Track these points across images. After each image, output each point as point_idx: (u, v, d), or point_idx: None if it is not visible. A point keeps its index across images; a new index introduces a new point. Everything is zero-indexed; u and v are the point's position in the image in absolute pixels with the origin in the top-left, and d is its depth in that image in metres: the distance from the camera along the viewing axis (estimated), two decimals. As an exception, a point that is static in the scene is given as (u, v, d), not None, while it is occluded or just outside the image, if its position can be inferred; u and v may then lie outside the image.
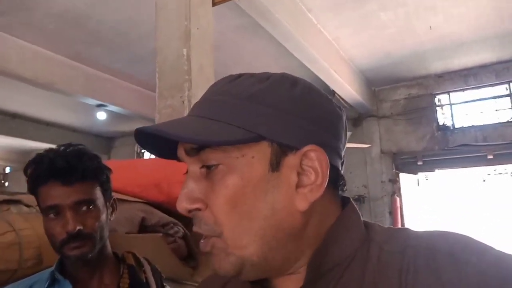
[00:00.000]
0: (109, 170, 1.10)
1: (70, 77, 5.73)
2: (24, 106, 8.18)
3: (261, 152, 0.46)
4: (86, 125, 9.75)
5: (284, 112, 0.47)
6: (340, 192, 0.53)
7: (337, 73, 5.42)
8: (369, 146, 6.77)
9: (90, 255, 0.97)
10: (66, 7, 4.33)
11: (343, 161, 0.53)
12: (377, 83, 7.10)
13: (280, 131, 0.46)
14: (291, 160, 0.47)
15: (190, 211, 0.49)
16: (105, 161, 1.37)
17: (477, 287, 0.40)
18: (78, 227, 0.94)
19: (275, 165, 0.46)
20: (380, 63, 6.14)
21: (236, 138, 0.45)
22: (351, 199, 0.54)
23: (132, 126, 9.52)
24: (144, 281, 1.08)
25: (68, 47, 5.35)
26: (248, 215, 0.46)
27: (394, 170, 7.15)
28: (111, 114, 7.73)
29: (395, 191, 7.09)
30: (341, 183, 0.52)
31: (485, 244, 0.45)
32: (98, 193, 1.02)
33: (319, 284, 0.47)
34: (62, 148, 1.01)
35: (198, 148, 0.47)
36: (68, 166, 0.96)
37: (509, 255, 0.44)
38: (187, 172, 0.51)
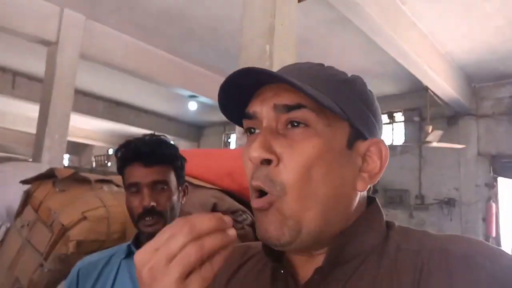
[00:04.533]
0: (184, 159, 1.23)
1: (167, 70, 6.15)
2: (127, 95, 9.00)
3: (343, 128, 0.51)
4: (179, 114, 10.39)
5: (363, 104, 0.53)
6: (369, 192, 0.58)
7: (432, 68, 5.09)
8: (465, 147, 6.26)
9: None
10: (163, 6, 4.68)
11: None
12: (478, 80, 6.50)
13: (360, 118, 0.52)
14: (360, 146, 0.52)
15: (262, 161, 0.49)
16: (190, 150, 1.51)
17: None
18: (152, 203, 1.09)
19: (351, 144, 0.52)
20: (482, 58, 5.61)
21: (335, 108, 0.49)
22: (376, 198, 0.58)
23: (220, 117, 9.94)
24: None
25: (166, 42, 5.76)
26: (319, 180, 0.49)
27: (491, 174, 6.52)
28: (202, 104, 8.16)
29: (491, 196, 6.48)
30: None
31: (501, 250, 0.46)
32: (172, 177, 1.16)
33: (337, 272, 0.50)
34: (146, 137, 1.17)
35: (292, 107, 0.49)
36: (150, 151, 1.12)
37: None
38: (249, 133, 0.55)
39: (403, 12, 4.44)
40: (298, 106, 0.49)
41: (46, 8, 4.64)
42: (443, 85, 5.55)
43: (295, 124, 0.49)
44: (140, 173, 1.11)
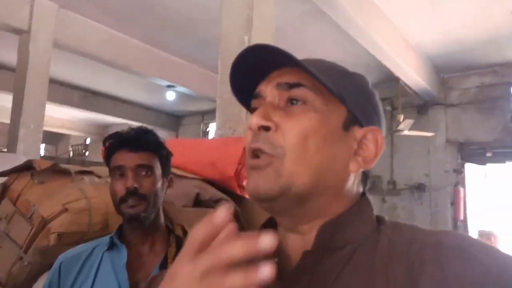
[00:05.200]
0: (170, 153, 1.27)
1: (143, 60, 6.09)
2: (104, 85, 8.83)
3: (340, 110, 0.54)
4: (157, 104, 10.27)
5: (362, 95, 0.57)
6: (364, 184, 0.60)
7: (402, 59, 5.24)
8: (434, 135, 6.48)
9: (143, 215, 1.13)
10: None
11: None
12: (446, 70, 6.71)
13: (357, 106, 0.55)
14: (356, 131, 0.55)
15: (260, 128, 0.52)
16: (172, 140, 1.55)
17: (481, 282, 0.41)
18: (135, 185, 1.13)
19: (346, 127, 0.55)
20: (450, 50, 5.80)
21: (333, 88, 0.51)
22: (366, 193, 0.60)
23: (198, 107, 9.94)
24: None
25: (142, 31, 5.69)
26: (314, 150, 0.51)
27: (459, 160, 6.79)
28: (180, 94, 8.11)
29: (459, 181, 6.74)
30: (367, 178, 0.60)
31: (492, 245, 0.47)
32: (157, 164, 1.20)
33: (329, 258, 0.50)
34: (134, 127, 1.22)
35: (293, 84, 0.53)
36: (135, 138, 1.17)
37: None
38: (252, 110, 0.57)
39: (374, 4, 4.54)
40: (298, 85, 0.53)
41: (17, -4, 4.52)
42: (413, 75, 5.72)
43: (294, 102, 0.53)
44: (125, 157, 1.15)
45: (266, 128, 0.52)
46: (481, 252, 0.44)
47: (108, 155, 1.19)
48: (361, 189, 0.58)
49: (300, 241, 0.54)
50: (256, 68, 0.56)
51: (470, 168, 6.92)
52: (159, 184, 1.19)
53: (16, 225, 1.54)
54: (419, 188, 7.04)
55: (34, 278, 1.43)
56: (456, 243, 0.45)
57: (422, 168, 7.07)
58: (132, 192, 1.12)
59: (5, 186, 1.70)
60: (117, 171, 1.16)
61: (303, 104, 0.53)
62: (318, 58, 0.60)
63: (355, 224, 0.53)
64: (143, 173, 1.16)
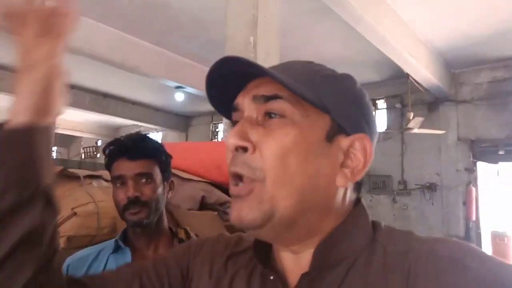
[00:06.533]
0: (170, 156, 1.29)
1: (152, 61, 6.11)
2: (114, 87, 8.92)
3: (322, 121, 0.51)
4: (167, 105, 10.34)
5: (348, 100, 0.53)
6: (358, 192, 0.58)
7: (412, 55, 5.17)
8: (445, 132, 6.39)
9: (146, 221, 1.17)
10: (148, -4, 4.66)
11: None
12: (457, 66, 6.59)
13: (342, 113, 0.52)
14: (342, 141, 0.52)
15: (237, 148, 0.51)
16: (178, 143, 1.58)
17: None
18: (136, 194, 1.15)
19: (330, 137, 0.51)
20: (460, 44, 5.70)
21: (311, 99, 0.49)
22: (362, 199, 0.57)
23: (207, 107, 9.96)
24: None
25: (150, 33, 5.71)
26: (295, 169, 0.49)
27: (471, 159, 6.65)
28: (188, 95, 8.14)
29: (471, 180, 6.60)
30: (361, 185, 0.58)
31: (486, 253, 0.47)
32: (157, 170, 1.22)
33: (326, 276, 0.50)
34: (132, 134, 1.25)
35: (270, 97, 0.50)
36: (133, 146, 1.19)
37: (510, 265, 0.45)
38: (234, 123, 0.56)
39: (383, 0, 4.53)
40: (274, 97, 0.50)
41: (28, 1, 4.62)
42: (423, 71, 5.64)
43: (272, 116, 0.50)
44: (125, 166, 1.18)
45: (244, 149, 0.50)
46: (474, 262, 0.44)
47: (109, 163, 1.23)
48: (354, 197, 0.56)
49: (295, 259, 0.54)
50: (233, 78, 0.54)
51: (482, 167, 6.77)
52: (159, 190, 1.21)
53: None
54: (430, 187, 6.94)
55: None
56: (450, 252, 0.45)
57: (433, 167, 6.96)
58: (133, 201, 1.16)
59: (16, 191, 1.75)
60: (118, 180, 1.19)
61: (281, 118, 0.50)
62: (296, 61, 0.57)
63: (350, 238, 0.52)
64: (143, 180, 1.19)
